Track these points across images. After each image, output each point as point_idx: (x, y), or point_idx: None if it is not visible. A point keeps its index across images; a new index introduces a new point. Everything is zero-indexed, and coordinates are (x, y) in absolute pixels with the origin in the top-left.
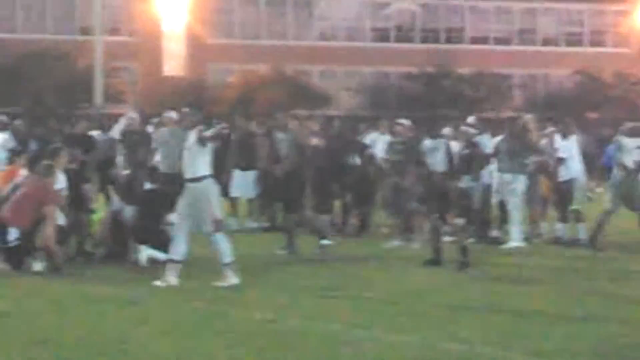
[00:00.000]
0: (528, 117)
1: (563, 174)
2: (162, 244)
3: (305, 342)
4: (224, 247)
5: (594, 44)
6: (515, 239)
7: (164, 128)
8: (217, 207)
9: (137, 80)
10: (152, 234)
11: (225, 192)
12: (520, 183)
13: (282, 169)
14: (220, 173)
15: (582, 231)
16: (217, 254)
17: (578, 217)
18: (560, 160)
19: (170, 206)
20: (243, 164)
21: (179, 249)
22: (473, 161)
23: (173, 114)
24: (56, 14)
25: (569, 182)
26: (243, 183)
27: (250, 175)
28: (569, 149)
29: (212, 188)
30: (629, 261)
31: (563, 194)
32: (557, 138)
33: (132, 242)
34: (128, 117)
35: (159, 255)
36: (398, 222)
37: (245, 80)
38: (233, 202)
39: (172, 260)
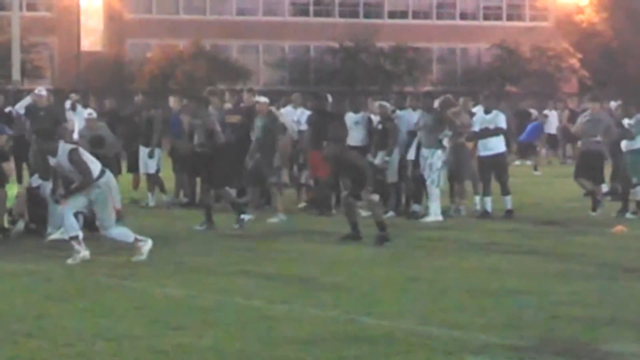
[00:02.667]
0: (448, 96)
1: (489, 148)
2: None
3: (224, 317)
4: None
5: (511, 18)
6: (432, 214)
7: None
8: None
9: (55, 56)
10: None
11: (135, 168)
12: (436, 158)
13: (186, 148)
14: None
15: (509, 203)
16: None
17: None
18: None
19: None
20: (145, 140)
21: (71, 224)
22: (388, 136)
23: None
24: None
25: (495, 157)
26: (146, 159)
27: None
28: (493, 123)
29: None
30: (563, 234)
31: (489, 168)
32: (480, 112)
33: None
34: (35, 93)
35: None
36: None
37: (164, 56)
38: (151, 177)
39: (72, 238)
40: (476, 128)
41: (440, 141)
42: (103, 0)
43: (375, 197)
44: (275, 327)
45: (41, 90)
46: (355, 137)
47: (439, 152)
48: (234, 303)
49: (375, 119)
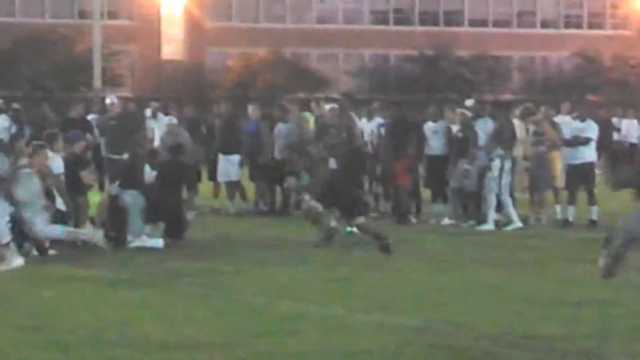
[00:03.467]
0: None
1: (579, 157)
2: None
3: (304, 325)
4: None
5: (593, 26)
6: (488, 222)
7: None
8: None
9: (136, 64)
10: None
11: (212, 177)
12: (495, 168)
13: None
14: (206, 158)
15: (594, 214)
16: None
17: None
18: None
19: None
20: (226, 148)
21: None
22: (468, 144)
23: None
24: None
25: (584, 166)
26: (227, 167)
27: (234, 159)
28: (585, 132)
29: None
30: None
31: (577, 177)
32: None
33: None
34: (107, 102)
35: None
36: None
37: (244, 64)
38: (228, 186)
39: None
40: (567, 135)
41: (502, 150)
42: (184, 9)
43: (361, 220)
44: (356, 336)
45: (113, 98)
46: (434, 146)
47: (497, 161)
48: (314, 311)
49: (454, 127)
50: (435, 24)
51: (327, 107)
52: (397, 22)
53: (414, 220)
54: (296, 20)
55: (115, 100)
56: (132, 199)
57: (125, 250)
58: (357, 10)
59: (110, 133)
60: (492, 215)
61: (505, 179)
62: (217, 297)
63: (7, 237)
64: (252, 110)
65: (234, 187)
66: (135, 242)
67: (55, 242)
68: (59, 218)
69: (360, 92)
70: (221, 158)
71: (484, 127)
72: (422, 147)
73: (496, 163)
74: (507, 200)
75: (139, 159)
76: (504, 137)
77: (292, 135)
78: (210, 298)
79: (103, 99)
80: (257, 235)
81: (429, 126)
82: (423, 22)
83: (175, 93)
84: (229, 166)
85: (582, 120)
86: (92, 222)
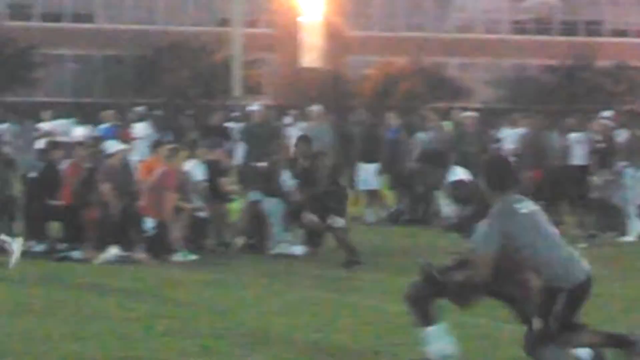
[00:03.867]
0: None
1: None
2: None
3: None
4: None
5: None
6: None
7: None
8: None
9: (275, 72)
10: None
11: (351, 184)
12: (630, 177)
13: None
14: (346, 166)
15: None
16: None
17: None
18: None
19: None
20: (366, 156)
21: None
22: (610, 155)
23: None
24: (196, 5)
25: None
26: (366, 176)
27: (373, 167)
28: None
29: None
30: None
31: None
32: None
33: (273, 233)
34: (250, 109)
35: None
36: None
37: (383, 73)
38: (371, 194)
39: None
40: None
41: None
42: (324, 17)
43: (341, 221)
44: (500, 347)
45: (255, 105)
46: (576, 155)
47: (630, 170)
48: (457, 320)
49: (595, 137)
50: (575, 33)
51: (465, 115)
52: (537, 31)
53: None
54: (436, 29)
55: (258, 108)
56: (272, 206)
57: (265, 257)
58: (497, 20)
59: (252, 140)
60: (636, 226)
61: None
62: (356, 304)
63: None
64: (392, 118)
65: (374, 195)
66: (275, 249)
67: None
68: (200, 224)
69: (499, 102)
70: (361, 166)
71: (620, 137)
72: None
73: (630, 172)
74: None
75: (279, 167)
76: (635, 147)
77: (431, 143)
78: (348, 305)
79: (242, 106)
80: (397, 243)
81: (571, 136)
82: (563, 32)
83: (314, 101)
84: (369, 174)
85: None
86: (235, 228)
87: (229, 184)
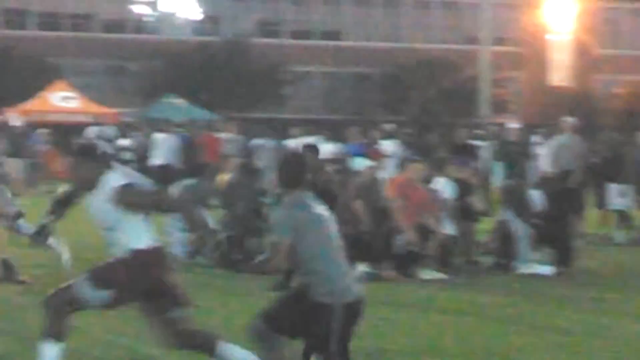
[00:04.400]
0: None
1: None
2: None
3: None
4: None
5: None
6: None
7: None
8: None
9: (522, 90)
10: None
11: (600, 204)
12: None
13: None
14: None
15: None
16: None
17: None
18: None
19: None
20: (615, 176)
21: None
22: None
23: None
24: (444, 23)
25: None
26: (616, 196)
27: (623, 188)
28: None
29: None
30: None
31: None
32: None
33: (521, 252)
34: (506, 128)
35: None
36: None
37: (631, 91)
38: (621, 214)
39: None
40: None
41: None
42: (572, 35)
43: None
44: None
45: (512, 124)
46: None
47: None
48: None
49: None
50: None
51: None
52: None
53: None
54: None
55: (514, 127)
56: (521, 225)
57: (513, 277)
58: None
59: (507, 159)
60: None
61: None
62: (606, 326)
63: None
64: None
65: (624, 216)
66: (523, 269)
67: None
68: (448, 243)
69: None
70: (609, 186)
71: None
72: None
73: None
74: None
75: (528, 186)
76: None
77: None
78: (602, 327)
79: (488, 125)
80: None
81: None
82: None
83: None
84: (618, 194)
85: None
86: (481, 248)
87: (477, 202)
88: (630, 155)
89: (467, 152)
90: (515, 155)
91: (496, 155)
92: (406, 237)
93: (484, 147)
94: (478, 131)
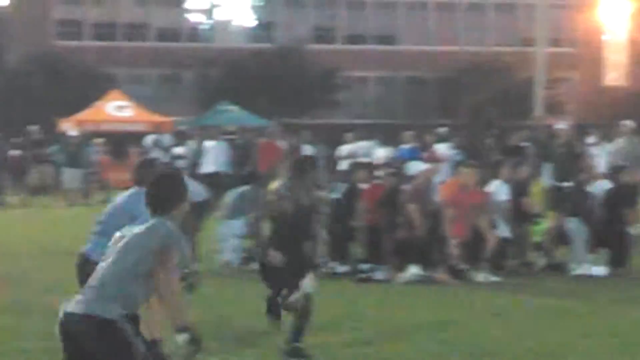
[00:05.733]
0: None
1: None
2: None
3: None
4: None
5: None
6: None
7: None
8: None
9: (577, 91)
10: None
11: None
12: None
13: None
14: None
15: None
16: None
17: None
18: None
19: None
20: None
21: None
22: None
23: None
24: (498, 25)
25: None
26: None
27: None
28: None
29: None
30: None
31: None
32: None
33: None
34: (556, 128)
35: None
36: None
37: None
38: None
39: None
40: None
41: None
42: (628, 36)
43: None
44: None
45: (561, 124)
46: None
47: None
48: None
49: None
50: None
51: None
52: None
53: None
54: None
55: (564, 127)
56: (576, 226)
57: (568, 278)
58: None
59: (557, 160)
60: None
61: None
62: None
63: None
64: None
65: None
66: (578, 270)
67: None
68: (502, 245)
69: None
70: None
71: None
72: None
73: None
74: None
75: (584, 186)
76: None
77: None
78: None
79: (544, 126)
80: None
81: None
82: None
83: (617, 120)
84: None
85: None
86: (539, 248)
87: (532, 204)
88: None
89: (519, 154)
90: (562, 156)
91: (544, 156)
92: (450, 249)
93: (529, 148)
94: (529, 133)
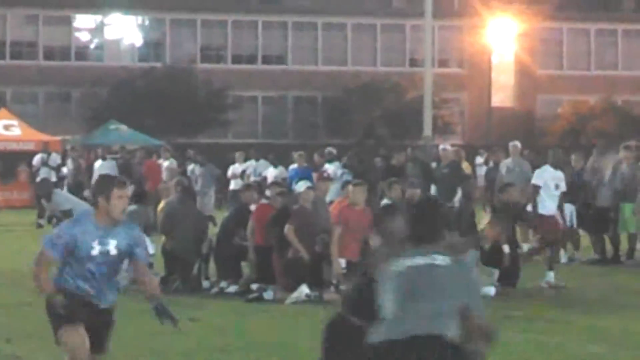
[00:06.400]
0: None
1: None
2: None
3: None
4: None
5: None
6: None
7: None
8: None
9: (465, 111)
10: None
11: None
12: None
13: None
14: None
15: None
16: None
17: None
18: None
19: None
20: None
21: None
22: None
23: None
24: (386, 46)
25: None
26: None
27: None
28: None
29: None
30: None
31: None
32: None
33: None
34: (441, 148)
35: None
36: None
37: (574, 112)
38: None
39: None
40: None
41: None
42: (514, 57)
43: None
44: None
45: (446, 145)
46: None
47: None
48: None
49: None
50: None
51: None
52: None
53: None
54: (628, 67)
55: (449, 148)
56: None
57: None
58: None
59: (441, 181)
60: None
61: None
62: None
63: None
64: (574, 160)
65: (569, 235)
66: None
67: None
68: None
69: None
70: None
71: None
72: None
73: None
74: None
75: (468, 208)
76: None
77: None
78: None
79: (431, 147)
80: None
81: None
82: None
83: (504, 140)
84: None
85: None
86: None
87: None
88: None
89: (399, 174)
90: (446, 177)
91: (428, 177)
92: (334, 267)
93: (410, 168)
94: (413, 153)
